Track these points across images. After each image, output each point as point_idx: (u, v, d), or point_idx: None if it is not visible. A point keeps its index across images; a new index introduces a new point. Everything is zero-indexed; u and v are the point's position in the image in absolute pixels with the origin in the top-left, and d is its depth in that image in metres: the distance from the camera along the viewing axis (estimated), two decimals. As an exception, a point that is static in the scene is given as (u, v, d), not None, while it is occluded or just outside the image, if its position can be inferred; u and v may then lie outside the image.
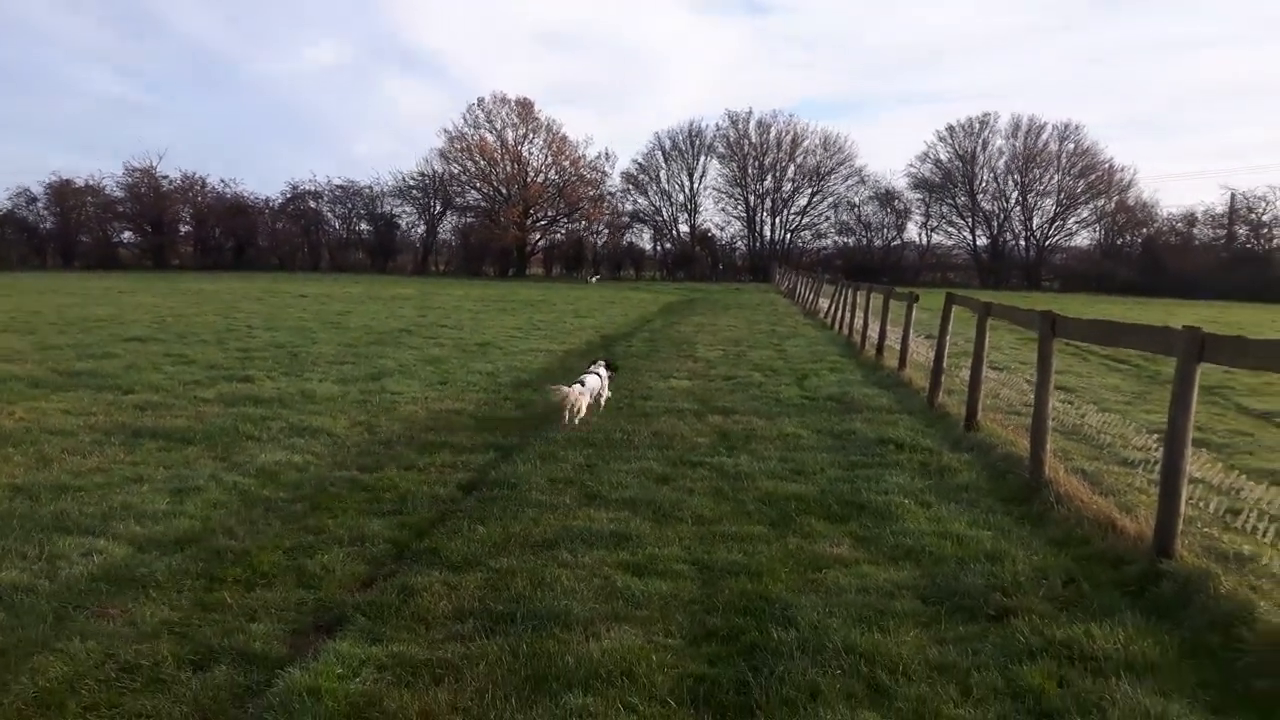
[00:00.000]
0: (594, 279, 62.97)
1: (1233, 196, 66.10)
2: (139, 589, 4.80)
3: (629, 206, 76.17)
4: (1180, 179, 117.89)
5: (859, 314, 18.99)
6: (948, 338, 11.12)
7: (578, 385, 9.68)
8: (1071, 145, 71.54)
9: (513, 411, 10.48)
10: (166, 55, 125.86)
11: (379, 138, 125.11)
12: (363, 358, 14.72)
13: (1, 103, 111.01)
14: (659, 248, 77.75)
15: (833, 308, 24.16)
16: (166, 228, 68.92)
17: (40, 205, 66.94)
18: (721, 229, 77.86)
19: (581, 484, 7.12)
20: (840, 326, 21.65)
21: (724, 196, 76.95)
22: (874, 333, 17.03)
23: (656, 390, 12.13)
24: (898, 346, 16.03)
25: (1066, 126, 71.42)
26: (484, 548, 5.53)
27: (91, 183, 67.22)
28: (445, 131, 71.29)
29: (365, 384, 11.97)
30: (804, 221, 76.85)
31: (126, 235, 70.53)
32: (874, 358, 15.33)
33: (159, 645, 4.15)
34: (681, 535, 5.87)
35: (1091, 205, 71.69)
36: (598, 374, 10.58)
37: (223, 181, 70.91)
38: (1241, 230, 66.14)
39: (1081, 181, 71.55)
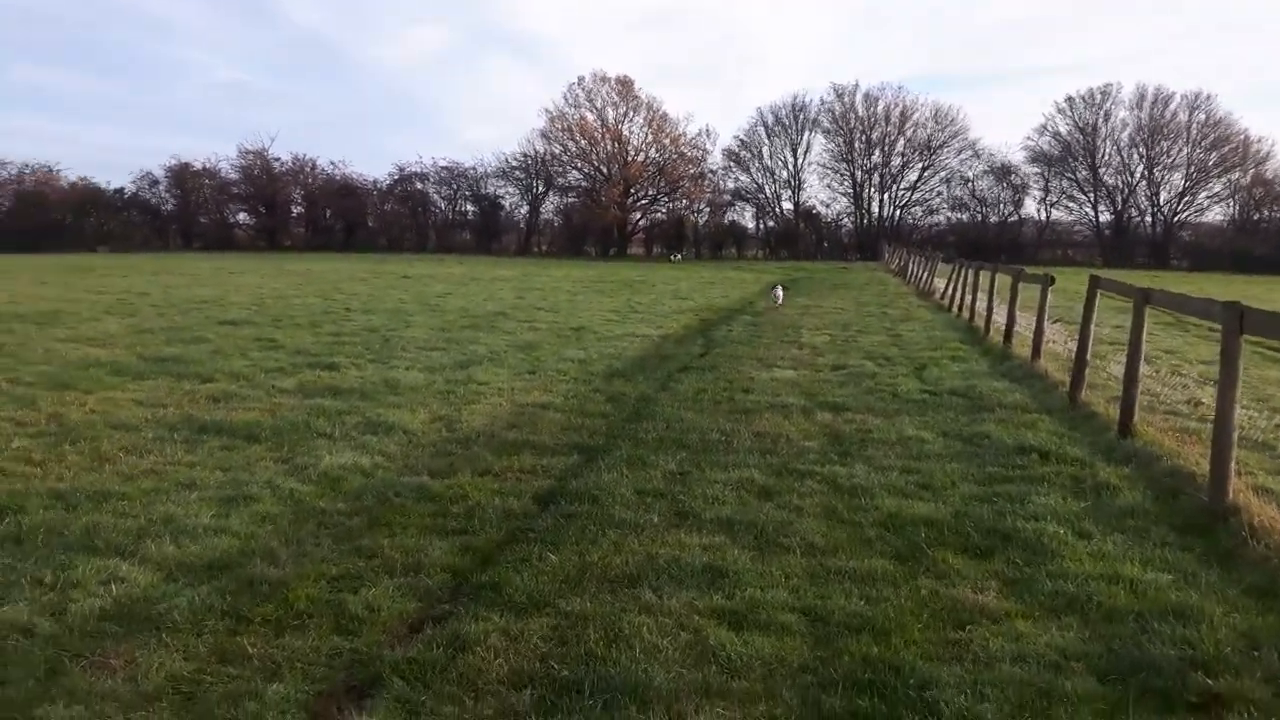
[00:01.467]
0: (676, 257, 62.44)
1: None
2: (152, 631, 4.12)
3: (730, 184, 74.88)
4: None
5: (982, 296, 17.57)
6: (1092, 326, 9.81)
7: (780, 291, 22.89)
8: (1202, 116, 67.02)
9: (603, 405, 9.66)
10: (280, 42, 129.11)
11: (483, 120, 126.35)
12: (454, 343, 14.14)
13: (127, 90, 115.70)
14: (761, 226, 76.13)
15: (950, 289, 22.65)
16: (279, 209, 70.79)
17: (161, 188, 69.55)
18: (827, 206, 75.86)
19: (673, 497, 6.24)
20: (960, 309, 20.17)
21: (829, 172, 74.85)
22: (999, 317, 15.63)
23: (759, 382, 11.15)
24: (1026, 333, 14.67)
25: (1197, 96, 66.96)
26: (554, 583, 4.70)
27: (209, 165, 69.52)
28: (546, 111, 71.30)
29: (452, 372, 11.33)
30: (914, 197, 74.25)
31: (241, 216, 72.76)
32: (1001, 345, 14.00)
33: (153, 714, 3.44)
34: (788, 571, 4.93)
35: (1225, 179, 67.05)
36: (783, 287, 23.43)
37: (332, 164, 72.56)
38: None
39: (1214, 154, 66.94)
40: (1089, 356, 9.82)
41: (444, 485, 6.49)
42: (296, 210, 73.36)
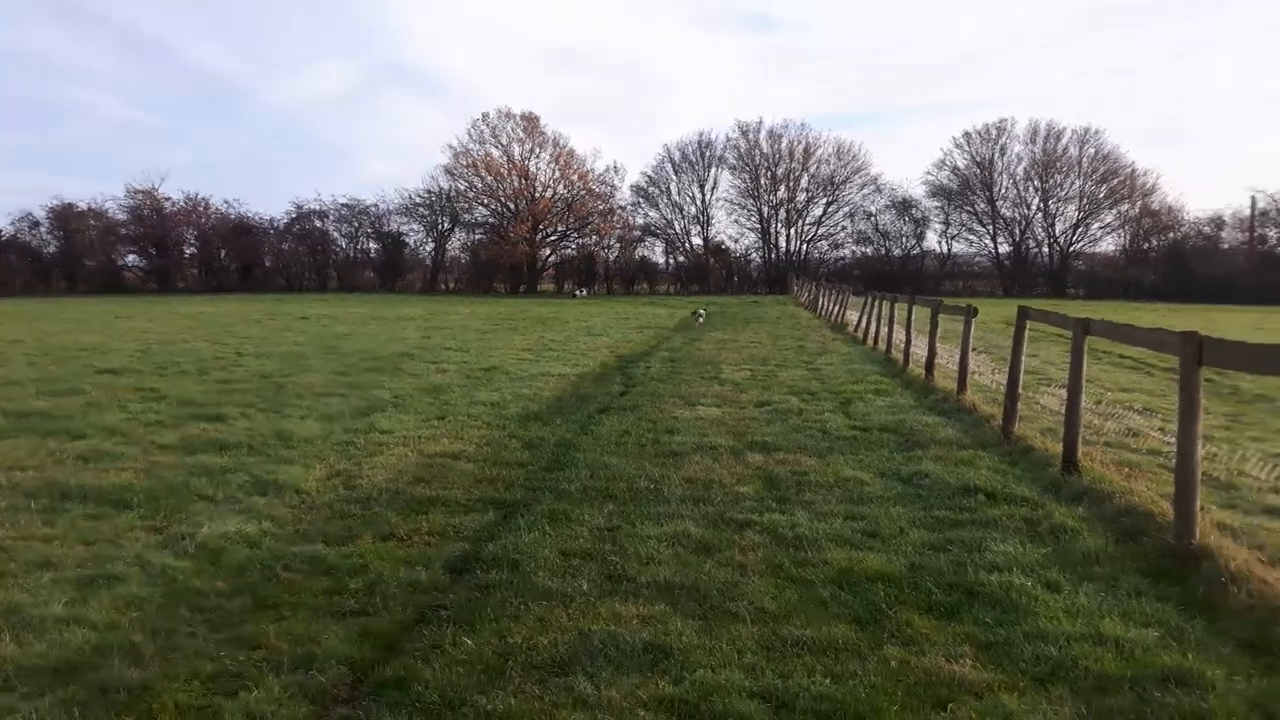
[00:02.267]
0: (580, 293, 62.86)
1: (1253, 199, 64.49)
2: (-31, 765, 3.32)
3: (640, 220, 74.86)
4: (1206, 185, 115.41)
5: (899, 329, 17.46)
6: (1023, 358, 9.55)
7: (702, 314, 31.88)
8: (1092, 150, 69.64)
9: (519, 453, 8.98)
10: (175, 81, 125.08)
11: (388, 157, 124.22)
12: (355, 388, 13.25)
13: (12, 131, 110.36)
14: (672, 261, 76.30)
15: (865, 321, 22.60)
16: (171, 250, 67.77)
17: (43, 230, 65.98)
18: (735, 240, 76.39)
19: (603, 558, 5.62)
20: (875, 342, 20.07)
21: (737, 208, 75.50)
22: (919, 349, 15.47)
23: (683, 422, 10.62)
24: (946, 365, 14.53)
25: (1086, 131, 69.56)
26: (471, 674, 4.03)
27: (94, 206, 66.29)
28: (450, 147, 70.59)
29: (352, 421, 10.50)
30: (820, 232, 75.29)
31: (131, 258, 69.45)
32: (923, 378, 13.76)
33: None
34: (740, 644, 4.35)
35: (1115, 210, 69.84)
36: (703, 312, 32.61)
37: (226, 202, 69.76)
38: (1272, 234, 64.22)
39: (1104, 186, 69.58)
40: (1020, 390, 9.53)
41: (341, 554, 5.73)
42: (189, 251, 70.42)
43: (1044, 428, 9.98)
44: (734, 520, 6.48)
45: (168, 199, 67.67)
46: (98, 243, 66.93)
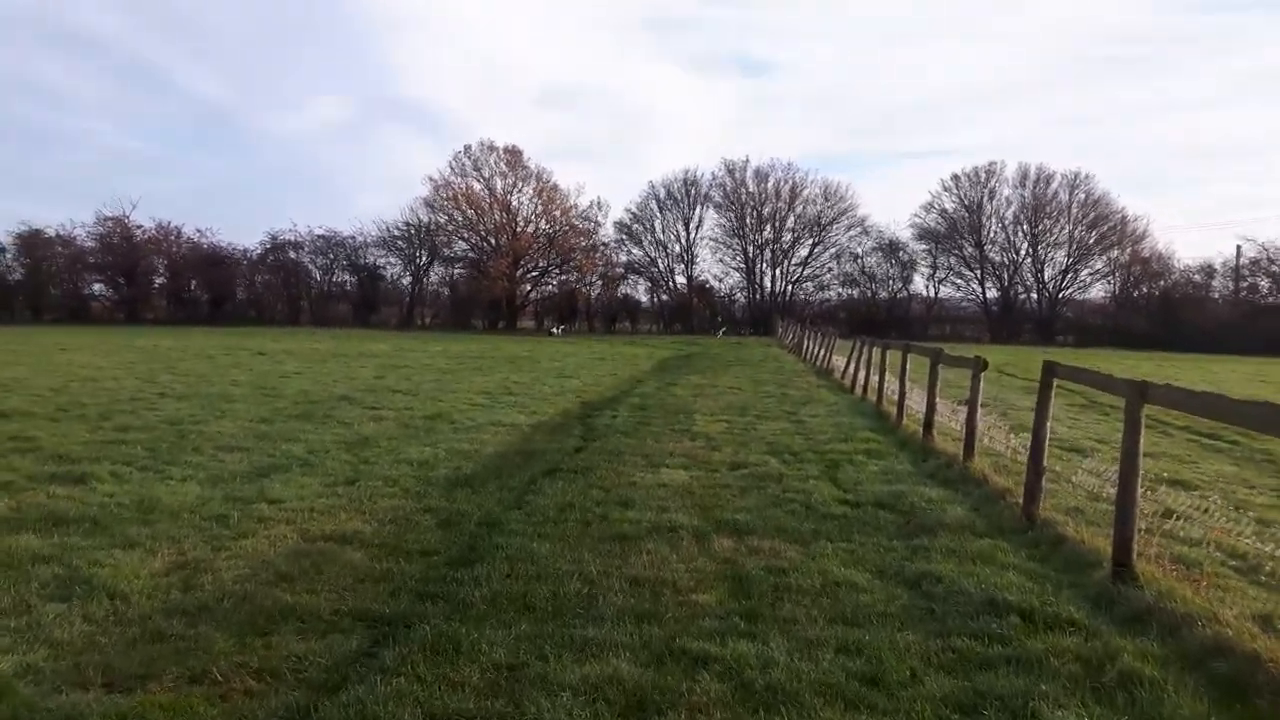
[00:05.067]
0: (556, 331, 61.70)
1: (1238, 249, 63.86)
2: None
3: (623, 257, 73.60)
4: (1193, 230, 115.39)
5: (891, 378, 15.84)
6: (1048, 423, 7.90)
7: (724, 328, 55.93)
8: (1082, 195, 69.07)
9: (429, 534, 7.21)
10: (166, 110, 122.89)
11: (377, 193, 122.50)
12: (266, 440, 11.46)
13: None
14: (655, 299, 74.93)
15: (852, 368, 20.99)
16: (139, 280, 65.94)
17: (9, 256, 64.21)
18: (720, 280, 75.20)
19: (489, 726, 3.88)
20: (864, 391, 18.42)
21: (722, 247, 74.44)
22: (914, 403, 13.85)
23: (641, 488, 8.94)
24: (945, 422, 12.88)
25: (1076, 176, 69.00)
26: None
27: (62, 233, 64.49)
28: (431, 180, 68.88)
29: (241, 484, 8.72)
30: (806, 273, 74.22)
31: (97, 287, 67.60)
32: (920, 437, 12.08)
33: None
34: None
35: (1105, 256, 68.93)
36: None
37: (199, 231, 68.06)
38: (1263, 283, 63.34)
39: (1094, 232, 68.86)
40: (1045, 461, 7.87)
41: (117, 712, 3.97)
42: (159, 281, 68.53)
43: (1068, 506, 8.32)
44: (686, 652, 4.76)
45: (139, 227, 66.14)
46: (65, 271, 65.10)
